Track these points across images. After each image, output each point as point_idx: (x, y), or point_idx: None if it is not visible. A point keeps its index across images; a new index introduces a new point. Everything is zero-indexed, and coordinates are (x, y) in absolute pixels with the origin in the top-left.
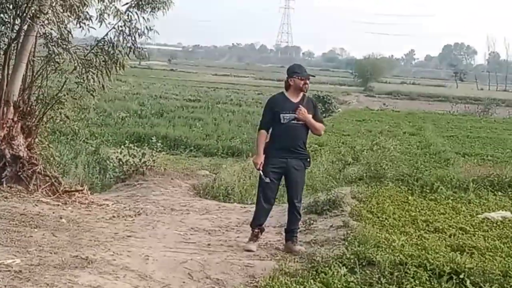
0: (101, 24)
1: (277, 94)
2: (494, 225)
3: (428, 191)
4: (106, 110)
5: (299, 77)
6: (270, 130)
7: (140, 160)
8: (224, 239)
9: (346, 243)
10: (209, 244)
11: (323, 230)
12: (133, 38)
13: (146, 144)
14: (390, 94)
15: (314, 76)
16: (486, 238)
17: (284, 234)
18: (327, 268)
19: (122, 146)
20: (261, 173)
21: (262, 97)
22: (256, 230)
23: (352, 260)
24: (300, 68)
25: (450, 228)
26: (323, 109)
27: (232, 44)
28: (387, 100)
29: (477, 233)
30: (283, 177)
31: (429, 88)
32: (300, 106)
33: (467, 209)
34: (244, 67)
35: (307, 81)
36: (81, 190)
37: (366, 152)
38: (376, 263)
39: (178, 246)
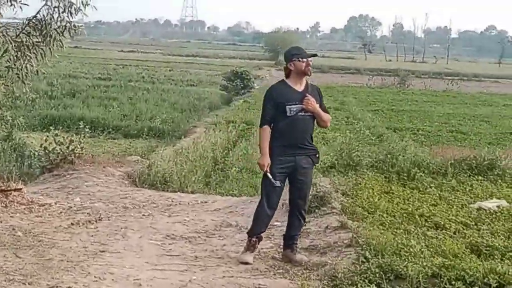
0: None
1: (278, 83)
2: (494, 216)
3: (405, 178)
4: (13, 91)
5: (300, 59)
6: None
7: (68, 147)
8: (209, 248)
9: (362, 251)
10: (196, 257)
11: (318, 233)
12: (68, 15)
13: (61, 127)
14: None
15: (316, 55)
16: (495, 235)
17: (282, 240)
18: (353, 287)
19: (48, 133)
20: (270, 177)
21: (174, 73)
22: (254, 239)
23: (378, 275)
24: (299, 50)
25: (451, 223)
26: (242, 86)
27: (136, 19)
28: None
29: (481, 227)
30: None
31: (339, 61)
32: (308, 95)
33: (455, 198)
34: (149, 43)
35: (310, 63)
36: (20, 189)
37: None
38: (407, 277)
39: (162, 261)
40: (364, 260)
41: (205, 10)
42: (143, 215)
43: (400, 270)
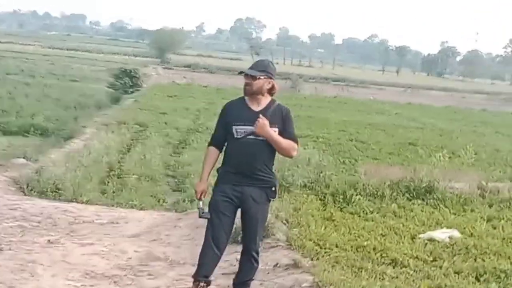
0: None
1: (236, 99)
2: (450, 250)
3: (341, 200)
4: None
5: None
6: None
7: None
8: None
9: None
10: None
11: (266, 272)
12: None
13: None
14: (189, 67)
15: (243, 73)
16: (461, 275)
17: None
18: None
19: None
20: (200, 205)
21: (55, 67)
22: (202, 284)
23: None
24: (253, 64)
25: (407, 258)
26: (131, 84)
27: (13, 10)
28: (187, 73)
29: (442, 265)
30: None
31: (226, 62)
32: (261, 116)
33: (403, 227)
34: (27, 35)
35: (248, 81)
36: None
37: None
38: None
39: None
40: None
41: (86, 4)
42: (49, 241)
43: None
